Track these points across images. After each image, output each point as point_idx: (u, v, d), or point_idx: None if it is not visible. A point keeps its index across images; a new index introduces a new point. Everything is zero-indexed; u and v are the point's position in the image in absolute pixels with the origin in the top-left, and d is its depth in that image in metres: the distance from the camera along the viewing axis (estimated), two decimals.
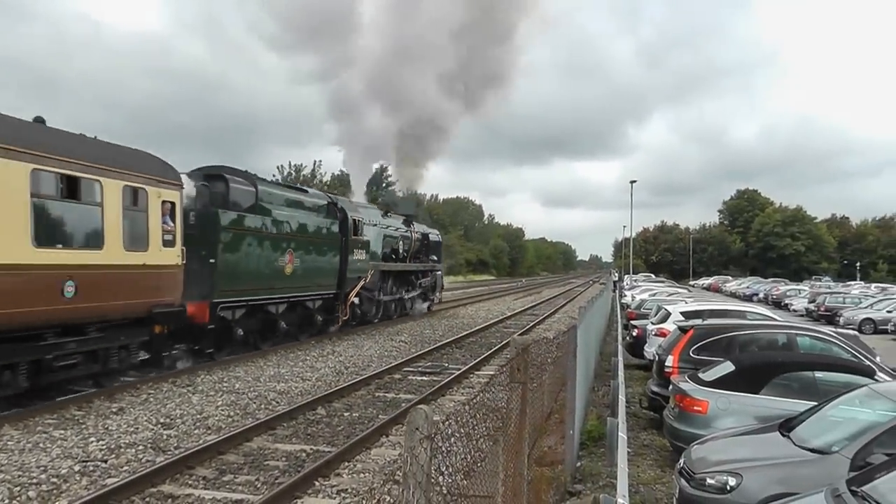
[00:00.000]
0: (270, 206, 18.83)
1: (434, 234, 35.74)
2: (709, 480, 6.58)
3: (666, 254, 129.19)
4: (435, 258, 34.48)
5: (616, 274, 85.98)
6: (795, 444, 6.78)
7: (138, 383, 13.47)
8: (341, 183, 68.16)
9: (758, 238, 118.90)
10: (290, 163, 75.86)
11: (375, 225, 27.06)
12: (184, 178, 15.44)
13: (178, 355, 15.80)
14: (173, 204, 14.39)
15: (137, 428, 10.45)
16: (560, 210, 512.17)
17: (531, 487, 6.83)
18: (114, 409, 11.57)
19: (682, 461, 7.30)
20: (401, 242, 29.94)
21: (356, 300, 24.47)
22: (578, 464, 9.37)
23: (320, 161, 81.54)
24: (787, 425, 7.31)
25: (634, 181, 62.18)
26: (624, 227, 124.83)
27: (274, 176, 65.38)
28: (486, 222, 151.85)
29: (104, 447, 9.40)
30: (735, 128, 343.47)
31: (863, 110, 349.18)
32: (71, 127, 12.69)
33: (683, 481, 6.87)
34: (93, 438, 9.79)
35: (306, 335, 21.43)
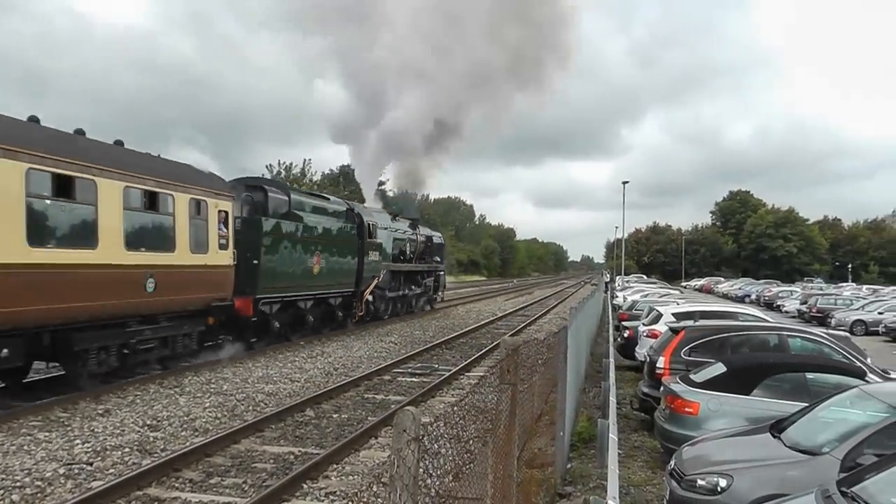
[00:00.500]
0: (301, 212, 21.26)
1: (437, 237, 37.71)
2: (699, 482, 6.54)
3: (658, 255, 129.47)
4: (438, 259, 36.64)
5: (608, 275, 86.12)
6: (786, 446, 6.75)
7: (125, 384, 13.38)
8: (331, 182, 67.92)
9: (750, 239, 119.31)
10: (279, 161, 75.38)
11: (386, 228, 28.97)
12: None
13: (222, 343, 17.72)
14: (227, 213, 16.86)
15: (123, 430, 10.34)
16: (552, 210, 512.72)
17: (521, 489, 6.77)
18: (100, 411, 11.47)
19: (672, 462, 7.26)
20: (408, 244, 32.08)
21: (370, 297, 26.56)
22: (568, 465, 9.33)
23: (310, 160, 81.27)
24: (778, 426, 7.28)
25: (627, 182, 62.26)
26: (616, 227, 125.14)
27: (263, 175, 65.10)
28: (478, 222, 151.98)
29: (90, 449, 9.30)
30: (728, 129, 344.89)
31: (855, 112, 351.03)
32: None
33: (674, 483, 6.83)
34: (78, 441, 9.68)
35: (328, 329, 23.56)
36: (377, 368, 16.40)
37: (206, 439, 9.80)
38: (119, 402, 12.23)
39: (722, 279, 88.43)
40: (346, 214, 24.98)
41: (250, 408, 12.25)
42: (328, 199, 25.71)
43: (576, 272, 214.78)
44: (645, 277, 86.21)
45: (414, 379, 15.81)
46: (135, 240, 13.49)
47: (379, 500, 7.54)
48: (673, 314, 17.11)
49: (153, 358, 14.78)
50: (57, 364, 13.69)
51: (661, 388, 10.04)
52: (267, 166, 71.66)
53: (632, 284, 55.15)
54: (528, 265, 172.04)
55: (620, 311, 27.08)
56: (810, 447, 6.54)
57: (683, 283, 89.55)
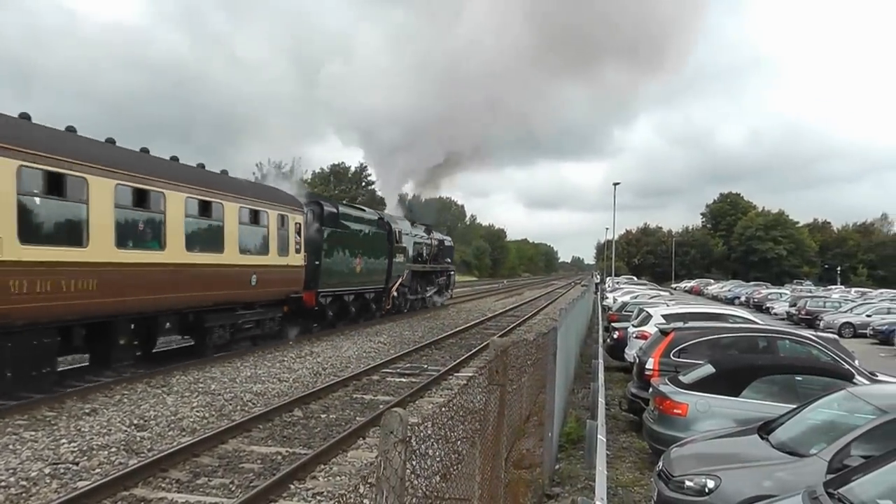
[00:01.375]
0: (347, 222, 25.81)
1: (448, 241, 42.43)
2: (687, 483, 6.54)
3: (648, 256, 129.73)
4: (448, 260, 41.47)
5: (598, 276, 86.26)
6: (774, 447, 6.75)
7: (112, 384, 13.31)
8: (321, 181, 67.83)
9: (740, 241, 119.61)
10: (269, 160, 75.04)
11: (408, 234, 33.24)
12: None
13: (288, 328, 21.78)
14: (300, 224, 21.55)
15: (110, 429, 10.28)
16: (543, 211, 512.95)
17: (508, 490, 6.76)
18: (86, 410, 11.39)
19: (660, 463, 7.25)
20: (424, 248, 36.57)
21: (395, 293, 31.01)
22: (557, 466, 9.32)
23: (299, 158, 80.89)
24: (766, 428, 7.28)
25: (618, 183, 62.56)
26: (607, 229, 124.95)
27: (254, 173, 64.77)
28: (469, 223, 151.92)
29: (76, 449, 9.24)
30: (720, 131, 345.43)
31: (846, 116, 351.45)
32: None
33: (662, 484, 6.83)
34: (64, 440, 9.62)
35: (363, 318, 28.00)
36: (366, 368, 16.37)
37: (193, 439, 9.75)
38: (106, 401, 12.15)
39: (712, 281, 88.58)
40: (377, 223, 29.40)
41: (238, 407, 12.20)
42: (364, 210, 30.57)
43: (566, 273, 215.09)
44: (635, 279, 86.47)
45: (403, 379, 15.78)
46: (245, 246, 18.13)
47: (366, 501, 7.53)
48: (662, 316, 17.10)
49: (250, 335, 19.23)
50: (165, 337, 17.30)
51: (650, 390, 10.03)
52: (257, 164, 71.38)
53: (622, 286, 55.24)
54: (518, 266, 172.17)
55: (610, 312, 27.09)
56: (798, 449, 6.54)
57: (673, 285, 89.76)
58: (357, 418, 11.60)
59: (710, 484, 6.38)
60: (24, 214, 11.33)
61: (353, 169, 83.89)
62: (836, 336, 15.96)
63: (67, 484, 7.99)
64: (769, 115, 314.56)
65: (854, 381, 8.99)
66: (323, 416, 11.91)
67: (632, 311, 22.19)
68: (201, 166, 17.59)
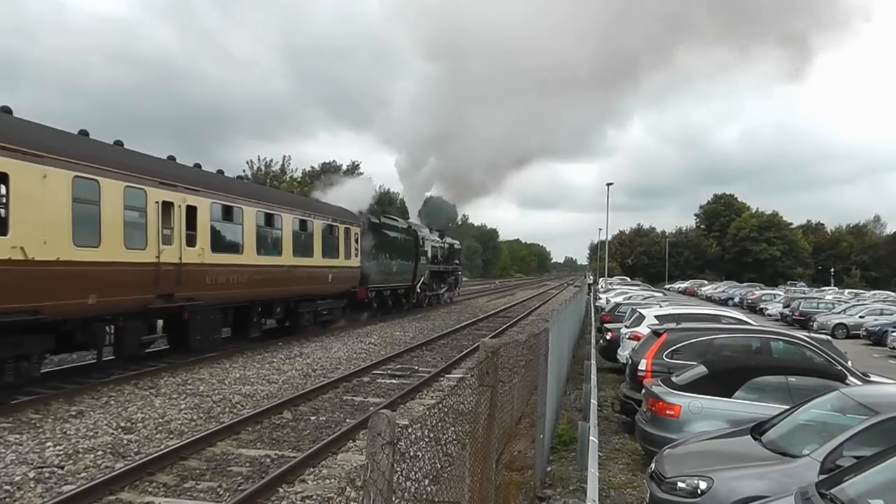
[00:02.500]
0: (387, 231, 31.79)
1: (456, 244, 48.57)
2: (680, 484, 6.48)
3: (642, 257, 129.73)
4: (457, 262, 47.61)
5: (591, 276, 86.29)
6: (766, 448, 6.71)
7: (99, 385, 13.19)
8: (312, 179, 67.61)
9: (734, 242, 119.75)
10: (259, 157, 74.71)
11: (428, 239, 38.85)
12: None
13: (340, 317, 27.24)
14: (357, 234, 27.77)
15: (97, 432, 10.17)
16: (536, 211, 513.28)
17: (499, 492, 6.68)
18: (72, 413, 11.27)
19: (653, 465, 7.20)
20: (439, 251, 42.22)
21: (418, 290, 36.62)
22: (548, 468, 9.25)
23: (289, 156, 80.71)
24: (758, 429, 7.25)
25: (611, 183, 62.61)
26: (600, 229, 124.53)
27: (244, 171, 64.74)
28: (460, 222, 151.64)
29: (61, 453, 9.13)
30: (715, 132, 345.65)
31: (841, 117, 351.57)
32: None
33: (654, 485, 6.78)
34: (50, 443, 9.50)
35: (395, 310, 33.64)
36: (356, 370, 16.28)
37: (181, 442, 9.65)
38: (93, 402, 12.04)
39: (705, 282, 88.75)
40: (407, 230, 35.21)
41: (227, 409, 12.10)
42: (397, 220, 36.13)
43: (559, 274, 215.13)
44: (628, 279, 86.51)
45: (393, 381, 15.69)
46: (325, 251, 24.03)
47: None
48: (655, 316, 17.08)
49: (323, 320, 24.96)
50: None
51: (643, 391, 9.98)
52: (247, 162, 71.31)
53: (615, 286, 55.22)
54: (510, 266, 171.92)
55: (603, 312, 27.05)
56: (790, 449, 6.50)
57: (667, 286, 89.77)
58: (347, 420, 11.50)
59: (703, 485, 6.34)
60: (213, 233, 17.21)
61: (344, 167, 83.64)
62: (829, 337, 15.94)
63: (52, 488, 7.88)
64: (765, 116, 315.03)
65: (847, 381, 8.97)
66: (312, 418, 11.81)
67: (625, 312, 22.12)
68: (303, 194, 23.63)
